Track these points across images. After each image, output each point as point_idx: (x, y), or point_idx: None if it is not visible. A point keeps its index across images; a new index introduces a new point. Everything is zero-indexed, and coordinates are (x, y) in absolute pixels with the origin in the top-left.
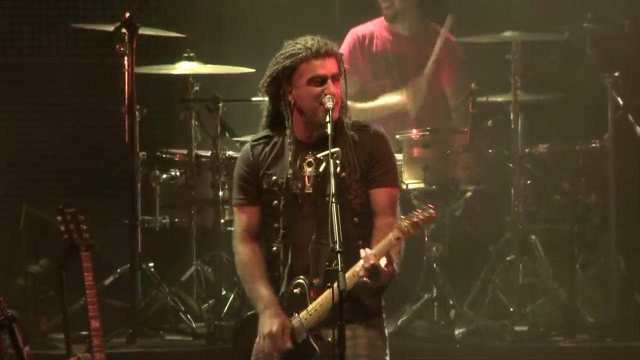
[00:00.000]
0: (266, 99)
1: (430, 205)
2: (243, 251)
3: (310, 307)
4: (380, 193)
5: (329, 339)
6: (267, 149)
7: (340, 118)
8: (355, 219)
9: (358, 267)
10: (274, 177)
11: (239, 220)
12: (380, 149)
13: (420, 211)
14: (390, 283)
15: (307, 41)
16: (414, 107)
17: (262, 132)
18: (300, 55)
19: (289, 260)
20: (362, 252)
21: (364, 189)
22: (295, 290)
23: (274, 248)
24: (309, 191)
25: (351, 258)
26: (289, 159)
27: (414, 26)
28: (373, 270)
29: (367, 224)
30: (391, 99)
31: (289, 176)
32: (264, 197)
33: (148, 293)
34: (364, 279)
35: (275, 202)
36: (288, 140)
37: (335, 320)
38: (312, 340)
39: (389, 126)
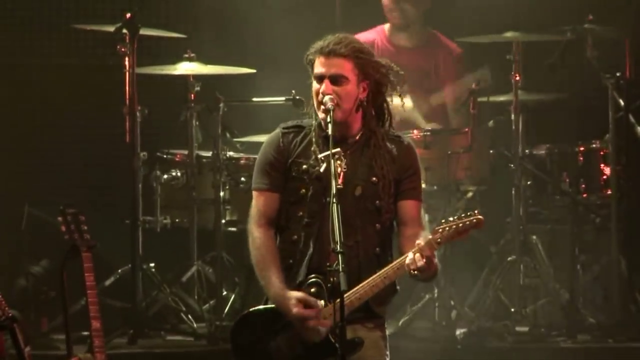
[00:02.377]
0: (268, 99)
1: (476, 211)
2: (259, 235)
3: (329, 307)
4: (409, 205)
5: (349, 338)
6: (298, 138)
7: (370, 125)
8: (378, 225)
9: (407, 259)
10: (304, 166)
11: (258, 204)
12: (413, 163)
13: (465, 216)
14: (432, 279)
15: (328, 38)
16: (419, 116)
17: (293, 121)
18: (313, 50)
19: (310, 250)
20: (417, 244)
21: (393, 198)
22: (312, 290)
23: (295, 236)
24: (339, 186)
25: (367, 262)
26: (318, 150)
27: (417, 36)
28: (428, 261)
29: (388, 232)
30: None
31: (321, 168)
32: (291, 184)
33: (149, 293)
34: (414, 271)
35: (303, 190)
36: (314, 133)
37: (350, 321)
38: (332, 339)
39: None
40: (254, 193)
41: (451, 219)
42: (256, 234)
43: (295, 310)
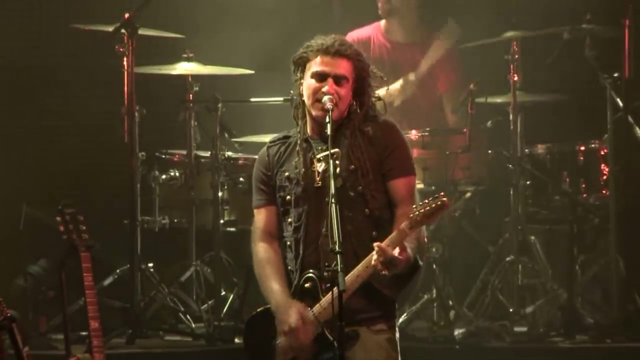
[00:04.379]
0: (266, 99)
1: (441, 193)
2: (260, 250)
3: (323, 300)
4: (397, 184)
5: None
6: (283, 148)
7: (346, 117)
8: (367, 210)
9: (372, 259)
10: (286, 173)
11: (258, 220)
12: (391, 139)
13: (431, 200)
14: (410, 269)
15: (327, 38)
16: (400, 98)
17: (281, 133)
18: (313, 48)
19: (300, 253)
20: (375, 246)
21: (377, 180)
22: (306, 285)
23: (288, 242)
24: (317, 185)
25: (364, 248)
26: (300, 155)
27: (413, 32)
28: (389, 262)
29: (381, 214)
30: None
31: (299, 170)
32: (279, 194)
33: (147, 293)
34: (382, 271)
35: (288, 197)
36: (298, 136)
37: (353, 323)
38: (327, 333)
39: None
40: (254, 211)
41: (419, 203)
42: (257, 248)
43: (294, 322)
